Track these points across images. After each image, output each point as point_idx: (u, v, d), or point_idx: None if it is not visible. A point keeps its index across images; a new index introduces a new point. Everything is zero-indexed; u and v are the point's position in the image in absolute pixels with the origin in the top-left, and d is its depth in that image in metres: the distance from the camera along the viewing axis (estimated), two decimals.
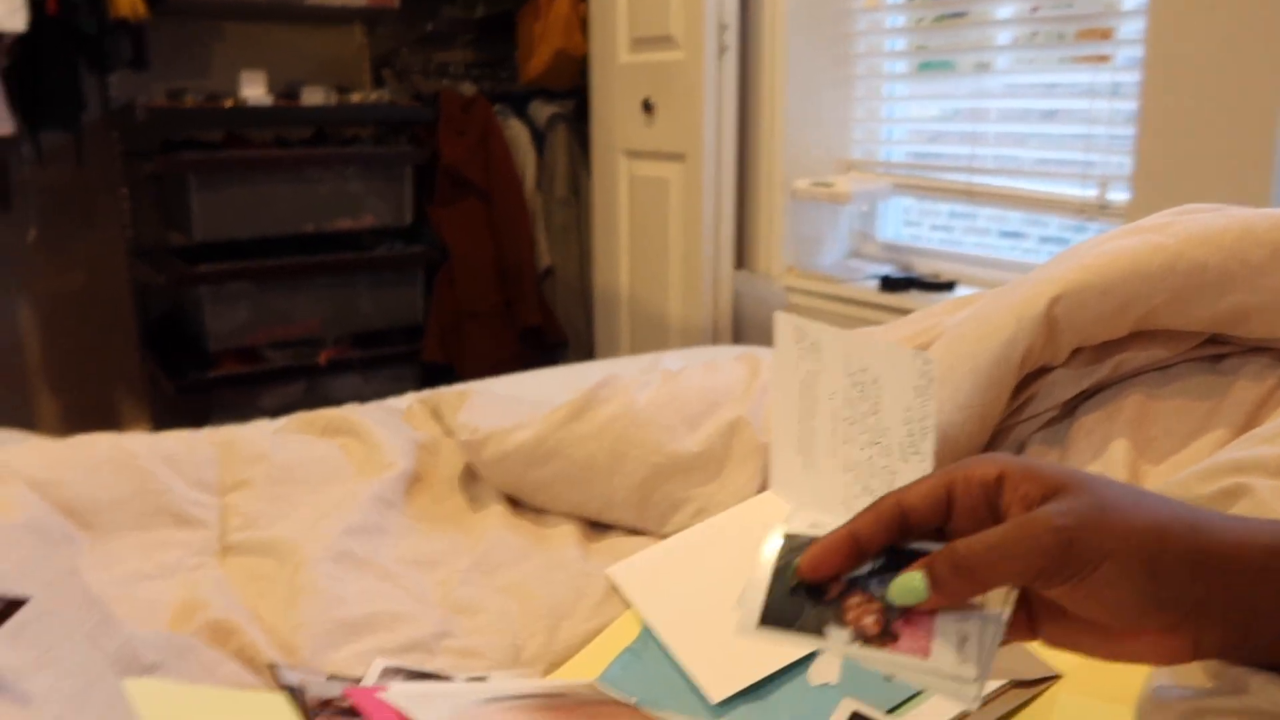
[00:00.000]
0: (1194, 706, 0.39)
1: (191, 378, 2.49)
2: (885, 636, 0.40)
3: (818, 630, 0.41)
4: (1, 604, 0.42)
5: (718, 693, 0.59)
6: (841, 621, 0.41)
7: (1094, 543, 0.36)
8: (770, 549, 0.44)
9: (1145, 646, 0.39)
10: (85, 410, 2.86)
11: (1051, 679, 0.54)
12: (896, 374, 0.54)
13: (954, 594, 0.39)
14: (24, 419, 2.77)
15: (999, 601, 0.41)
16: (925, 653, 0.40)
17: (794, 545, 0.44)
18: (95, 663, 0.52)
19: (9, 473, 0.90)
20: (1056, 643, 0.42)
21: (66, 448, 0.98)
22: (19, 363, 2.76)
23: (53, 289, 2.76)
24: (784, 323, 0.61)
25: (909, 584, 0.40)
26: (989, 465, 0.40)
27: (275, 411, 1.29)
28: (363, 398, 1.36)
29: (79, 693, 0.47)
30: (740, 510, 0.81)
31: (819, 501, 0.59)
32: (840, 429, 0.58)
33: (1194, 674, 0.42)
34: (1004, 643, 0.41)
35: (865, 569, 0.41)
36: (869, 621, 0.40)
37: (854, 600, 0.41)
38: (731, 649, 0.61)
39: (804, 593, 0.42)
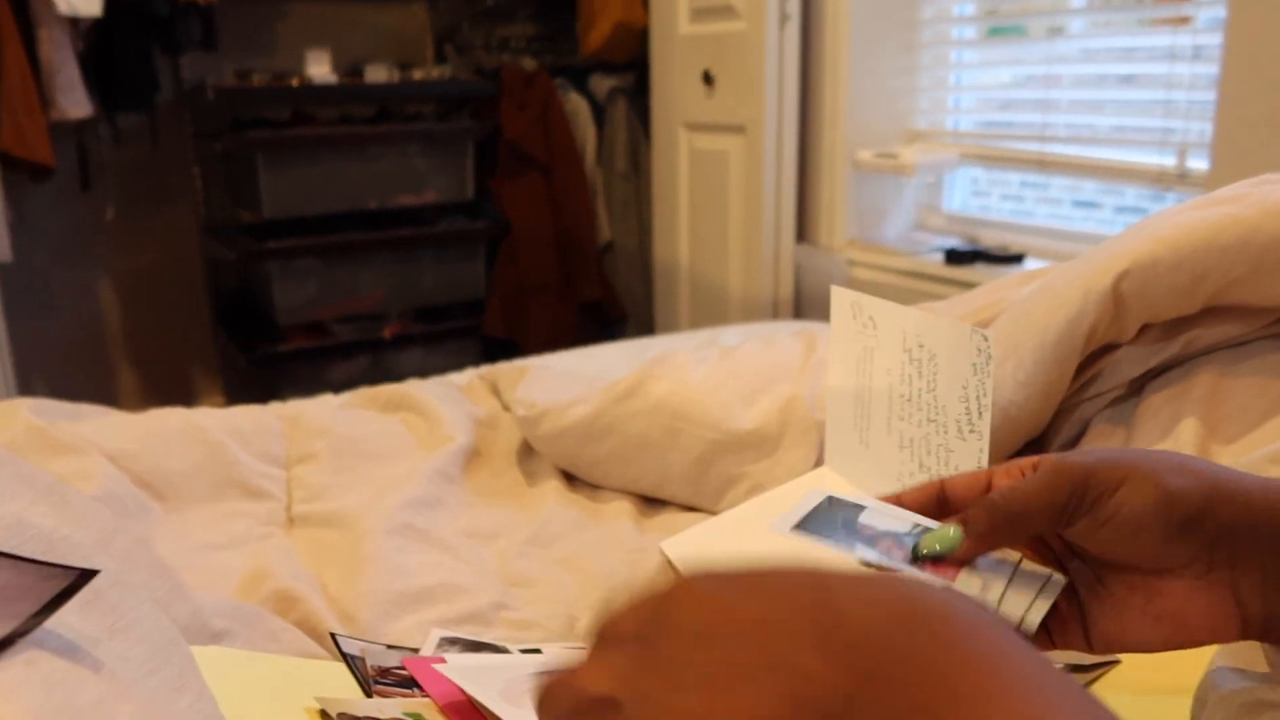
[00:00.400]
0: (1254, 697, 0.38)
1: (261, 352, 2.55)
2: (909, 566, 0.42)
3: (846, 548, 0.43)
4: (76, 574, 0.44)
5: None
6: (871, 547, 0.43)
7: (1112, 471, 0.38)
8: (816, 494, 0.46)
9: (1193, 616, 0.39)
10: (162, 384, 2.96)
11: (1110, 664, 0.53)
12: (954, 351, 0.53)
13: (987, 537, 0.41)
14: (107, 392, 2.88)
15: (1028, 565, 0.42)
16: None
17: (839, 501, 0.46)
18: (166, 630, 0.54)
19: (88, 445, 0.94)
20: (1110, 640, 0.42)
21: (141, 421, 1.01)
22: (101, 337, 2.87)
23: (130, 266, 2.85)
24: (840, 297, 0.61)
25: (943, 534, 0.41)
26: (1030, 458, 0.42)
27: (341, 385, 1.33)
28: (425, 372, 1.38)
29: (149, 658, 0.49)
30: (794, 485, 0.80)
31: (874, 477, 0.59)
32: (896, 405, 0.57)
33: (1253, 658, 0.41)
34: (1057, 648, 0.42)
35: (905, 529, 0.43)
36: (897, 555, 0.42)
37: (886, 542, 0.43)
38: None
39: (842, 521, 0.44)
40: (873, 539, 0.43)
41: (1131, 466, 0.38)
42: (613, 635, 0.30)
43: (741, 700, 0.26)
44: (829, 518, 0.44)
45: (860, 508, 0.45)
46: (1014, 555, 0.43)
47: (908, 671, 0.25)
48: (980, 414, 0.52)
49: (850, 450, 0.70)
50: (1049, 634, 0.43)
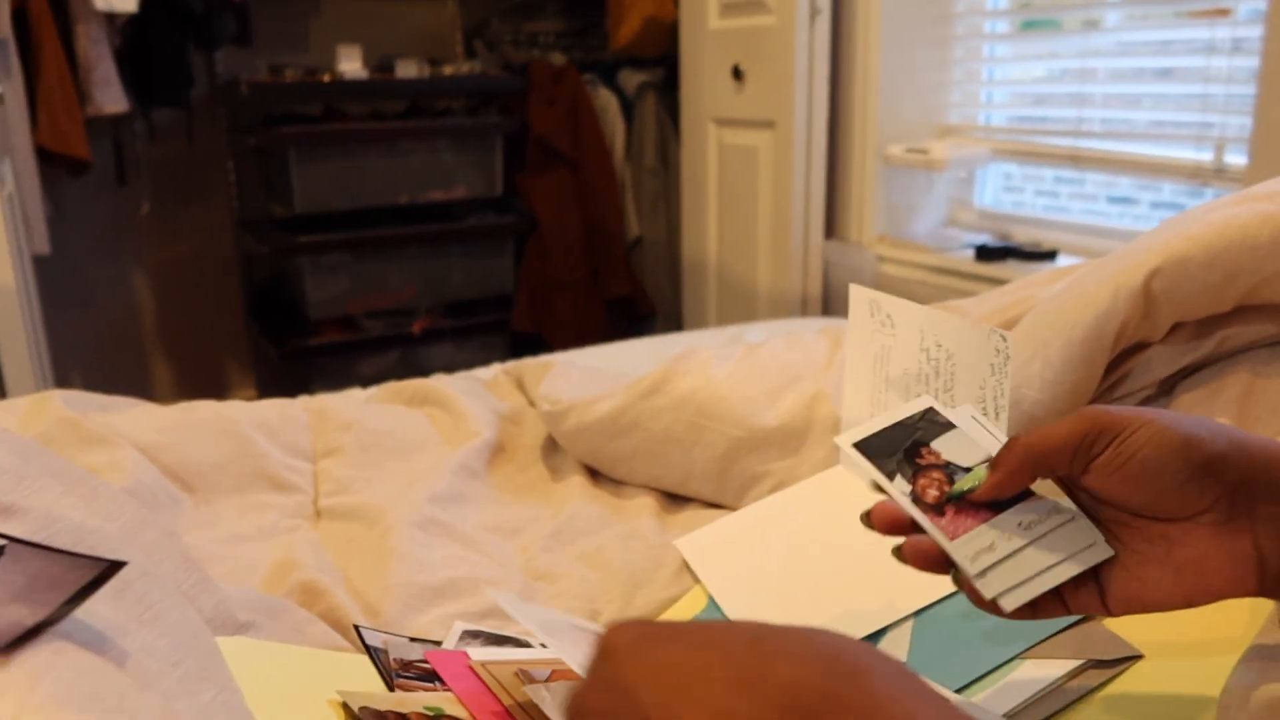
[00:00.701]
0: (1274, 694, 0.38)
1: (293, 345, 2.58)
2: (934, 509, 0.46)
3: (890, 474, 0.47)
4: (104, 565, 0.45)
5: None
6: (911, 480, 0.47)
7: (1135, 415, 0.40)
8: (922, 403, 0.49)
9: (1213, 566, 0.39)
10: (195, 376, 3.00)
11: (1133, 659, 0.52)
12: (971, 351, 0.52)
13: (1012, 475, 0.44)
14: (141, 383, 2.92)
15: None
16: (952, 536, 0.45)
17: (933, 419, 0.49)
18: (192, 621, 0.54)
19: (120, 437, 0.95)
20: (1130, 599, 0.43)
21: (172, 414, 1.03)
22: (136, 330, 2.91)
23: (165, 259, 2.89)
24: (858, 295, 0.60)
25: (976, 474, 0.45)
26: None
27: (371, 379, 1.34)
28: (454, 366, 1.39)
29: (175, 650, 0.50)
30: (811, 484, 0.80)
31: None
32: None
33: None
34: (1070, 609, 0.44)
35: (968, 464, 0.47)
36: (931, 493, 0.46)
37: (934, 474, 0.47)
38: (795, 625, 0.61)
39: (904, 448, 0.48)
40: (923, 469, 0.47)
41: (1155, 415, 0.40)
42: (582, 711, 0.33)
43: None
44: (899, 437, 0.48)
45: (949, 427, 0.48)
46: (1070, 507, 0.45)
47: (828, 712, 0.29)
48: (998, 414, 0.52)
49: None
50: (1063, 600, 0.44)
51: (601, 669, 0.33)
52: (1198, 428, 0.40)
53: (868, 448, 0.48)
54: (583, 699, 0.33)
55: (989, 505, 0.46)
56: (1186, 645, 0.53)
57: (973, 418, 0.49)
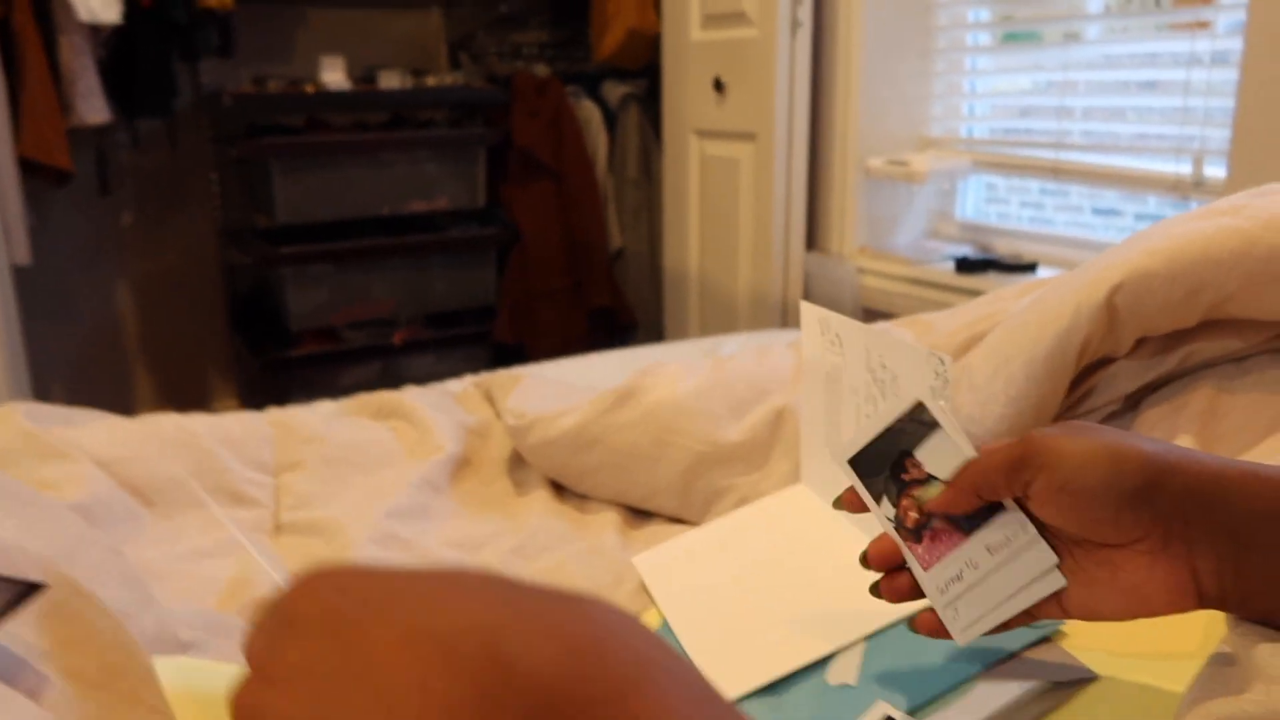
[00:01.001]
0: (1230, 713, 0.37)
1: (274, 356, 2.57)
2: (912, 534, 0.48)
3: (876, 496, 0.49)
4: (21, 587, 0.43)
5: (730, 690, 0.58)
6: (894, 502, 0.48)
7: (1066, 442, 0.40)
8: (908, 401, 0.49)
9: (1153, 589, 0.40)
10: (177, 387, 2.98)
11: (1088, 680, 0.51)
12: (913, 372, 0.52)
13: (957, 489, 0.45)
14: (123, 394, 2.90)
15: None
16: (927, 565, 0.47)
17: (919, 418, 0.49)
18: (126, 643, 0.53)
19: (79, 451, 0.94)
20: (1084, 609, 0.44)
21: (134, 427, 1.01)
22: (118, 340, 2.89)
23: (148, 270, 2.87)
24: (809, 313, 0.59)
25: (933, 490, 0.47)
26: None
27: (352, 390, 1.32)
28: (436, 377, 1.38)
29: (103, 671, 0.49)
30: (770, 502, 0.79)
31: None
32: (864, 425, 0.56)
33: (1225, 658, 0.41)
34: (1032, 617, 0.46)
35: (948, 475, 0.47)
36: (911, 515, 0.48)
37: (915, 492, 0.48)
38: (747, 645, 0.60)
39: (893, 461, 0.49)
40: (908, 485, 0.48)
41: (1082, 437, 0.40)
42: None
43: None
44: (888, 447, 0.49)
45: (934, 427, 0.48)
46: (1032, 529, 0.45)
47: (578, 707, 0.24)
48: None
49: (824, 471, 0.68)
50: (1027, 609, 0.46)
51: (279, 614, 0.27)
52: (1128, 452, 0.39)
53: (860, 465, 0.50)
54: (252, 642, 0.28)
55: (961, 525, 0.47)
56: (1142, 659, 0.52)
57: (942, 409, 0.49)
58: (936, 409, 0.48)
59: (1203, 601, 0.40)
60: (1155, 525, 0.39)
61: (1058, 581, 0.44)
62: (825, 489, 0.68)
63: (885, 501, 0.49)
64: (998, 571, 0.45)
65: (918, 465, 0.48)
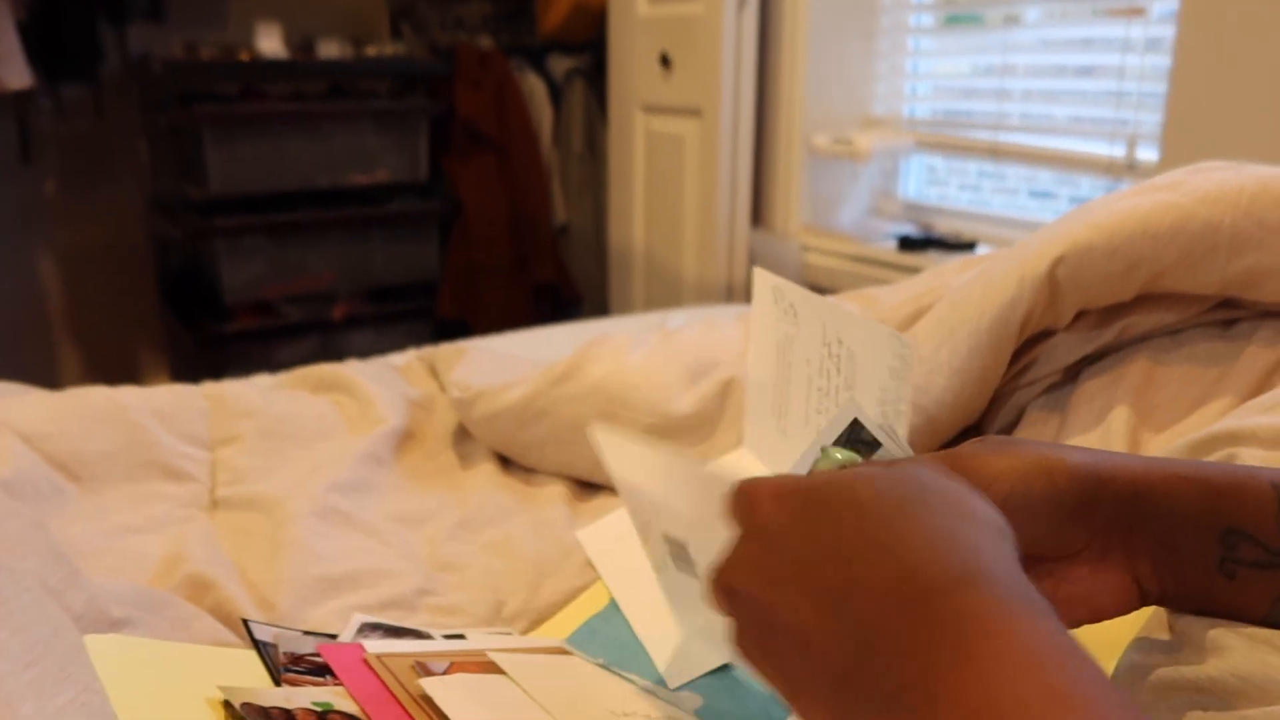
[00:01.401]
0: (1160, 678, 0.38)
1: (208, 331, 2.50)
2: None
3: None
4: None
5: (673, 678, 0.57)
6: None
7: (994, 460, 0.40)
8: (847, 416, 0.48)
9: (1099, 597, 0.41)
10: (107, 362, 2.89)
11: None
12: (872, 352, 0.51)
13: None
14: (49, 371, 2.80)
15: None
16: None
17: (859, 437, 0.48)
18: (53, 618, 0.51)
19: (2, 425, 0.90)
20: None
21: (60, 401, 0.98)
22: (42, 314, 2.79)
23: (73, 242, 2.77)
24: (762, 280, 0.59)
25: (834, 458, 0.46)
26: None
27: (290, 365, 1.28)
28: (378, 352, 1.35)
29: (28, 650, 0.47)
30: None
31: (792, 467, 0.58)
32: (814, 398, 0.56)
33: (1158, 624, 0.42)
34: None
35: None
36: None
37: None
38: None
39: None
40: None
41: (1013, 456, 0.40)
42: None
43: (771, 644, 0.32)
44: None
45: (875, 447, 0.46)
46: None
47: (901, 649, 0.28)
48: (898, 419, 0.51)
49: (769, 438, 0.68)
50: None
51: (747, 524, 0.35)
52: (1059, 465, 0.39)
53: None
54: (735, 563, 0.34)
55: None
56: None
57: (880, 428, 0.48)
58: (874, 428, 0.48)
59: (1145, 600, 0.41)
60: (1093, 538, 0.39)
61: None
62: (768, 454, 0.68)
63: None
64: None
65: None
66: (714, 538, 0.43)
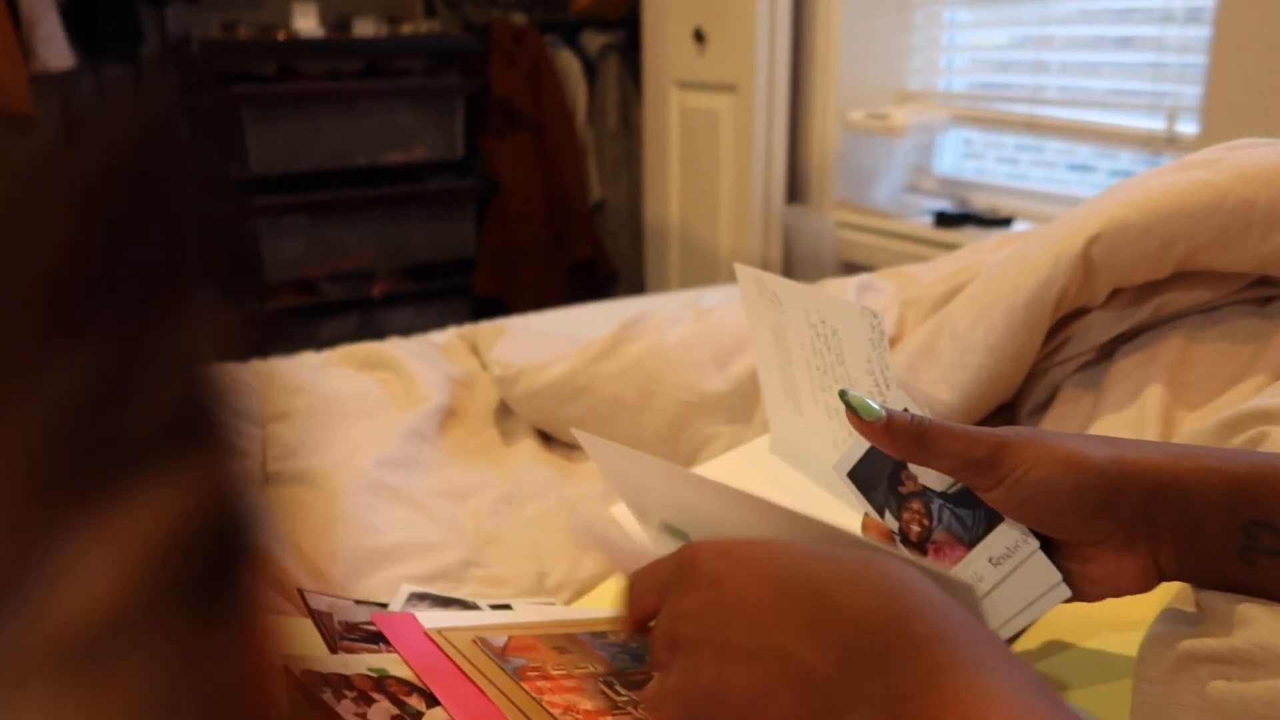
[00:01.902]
0: (1185, 650, 0.39)
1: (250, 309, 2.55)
2: (917, 548, 0.48)
3: (879, 509, 0.49)
4: None
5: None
6: (897, 515, 0.48)
7: (1026, 453, 0.41)
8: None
9: (1122, 578, 0.42)
10: None
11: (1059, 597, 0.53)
12: (852, 327, 0.53)
13: (898, 438, 0.43)
14: None
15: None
16: None
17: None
18: None
19: None
20: None
21: None
22: None
23: None
24: (744, 274, 0.61)
25: (866, 403, 0.45)
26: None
27: (330, 343, 1.32)
28: (415, 330, 1.38)
29: None
30: (742, 452, 0.80)
31: (814, 443, 0.59)
32: (815, 377, 0.57)
33: (1186, 598, 0.44)
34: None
35: (940, 487, 0.47)
36: (914, 529, 0.48)
37: (916, 505, 0.48)
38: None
39: (889, 473, 0.48)
40: (906, 498, 0.48)
41: (1042, 448, 0.41)
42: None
43: (747, 675, 0.32)
44: (883, 461, 0.48)
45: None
46: (1034, 541, 0.45)
47: (886, 658, 0.30)
48: (888, 385, 0.53)
49: (788, 418, 0.70)
50: None
51: (687, 580, 0.35)
52: (1086, 462, 0.41)
53: (859, 477, 0.50)
54: (674, 612, 0.35)
55: (963, 537, 0.46)
56: (1099, 624, 0.54)
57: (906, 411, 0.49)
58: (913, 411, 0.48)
59: (1164, 579, 0.43)
60: (1119, 529, 0.41)
61: (1063, 593, 0.44)
62: (792, 437, 0.70)
63: (888, 515, 0.49)
64: (1003, 584, 0.46)
65: (912, 478, 0.48)
66: (714, 528, 0.46)
